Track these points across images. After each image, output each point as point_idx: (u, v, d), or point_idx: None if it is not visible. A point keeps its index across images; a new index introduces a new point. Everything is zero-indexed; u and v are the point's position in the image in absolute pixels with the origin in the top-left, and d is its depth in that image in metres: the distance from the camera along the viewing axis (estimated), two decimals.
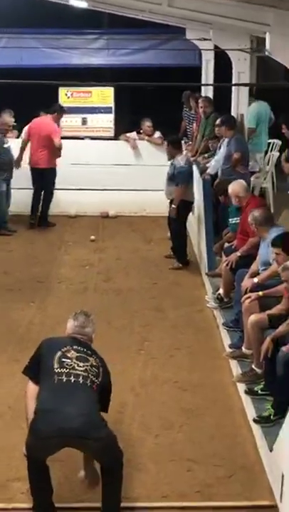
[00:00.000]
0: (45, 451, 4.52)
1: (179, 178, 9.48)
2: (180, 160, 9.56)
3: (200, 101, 11.25)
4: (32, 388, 4.67)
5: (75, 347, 4.69)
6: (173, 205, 9.58)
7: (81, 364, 4.59)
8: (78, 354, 4.65)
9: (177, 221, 9.68)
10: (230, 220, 8.42)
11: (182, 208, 9.59)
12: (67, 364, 4.56)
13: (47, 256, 10.20)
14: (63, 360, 4.58)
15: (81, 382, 4.52)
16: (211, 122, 10.55)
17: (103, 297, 8.70)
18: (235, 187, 7.93)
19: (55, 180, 11.46)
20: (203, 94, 11.98)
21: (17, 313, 8.16)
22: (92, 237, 10.91)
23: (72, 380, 4.51)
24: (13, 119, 11.31)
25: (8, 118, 11.20)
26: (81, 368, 4.58)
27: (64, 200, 12.03)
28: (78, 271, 9.65)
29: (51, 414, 4.41)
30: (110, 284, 9.20)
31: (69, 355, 4.62)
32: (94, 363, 4.68)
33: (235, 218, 8.22)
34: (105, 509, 4.67)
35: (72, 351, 4.65)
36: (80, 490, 5.05)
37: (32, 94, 11.86)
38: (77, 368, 4.57)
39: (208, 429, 5.94)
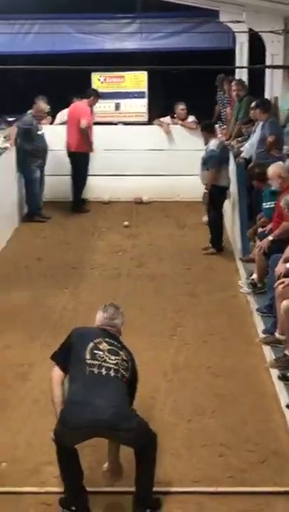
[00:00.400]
0: (73, 440, 4.55)
1: (210, 163, 9.43)
2: (212, 144, 9.51)
3: (233, 84, 11.14)
4: (58, 374, 4.69)
5: (106, 339, 4.71)
6: (205, 190, 9.51)
7: (112, 357, 4.60)
8: (110, 347, 4.66)
9: (213, 207, 9.61)
10: (264, 204, 8.34)
11: (215, 193, 9.53)
12: (99, 356, 4.57)
13: (80, 242, 10.24)
14: (95, 352, 4.59)
15: (112, 375, 4.54)
16: (245, 106, 10.45)
17: (136, 283, 8.70)
18: (275, 169, 7.78)
19: (87, 166, 11.48)
20: (237, 77, 11.86)
21: (51, 299, 8.21)
22: (126, 223, 10.92)
23: (104, 373, 4.53)
24: (48, 106, 11.34)
25: (44, 105, 11.24)
26: (112, 361, 4.58)
27: (97, 186, 12.06)
28: (111, 257, 9.67)
29: (82, 406, 4.42)
30: (143, 269, 9.20)
31: (101, 347, 4.63)
32: (124, 357, 4.70)
33: (269, 203, 8.13)
34: (138, 493, 4.69)
35: (104, 343, 4.66)
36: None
37: (65, 80, 11.91)
38: (108, 360, 4.57)
39: (241, 414, 5.92)
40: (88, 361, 4.54)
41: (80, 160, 11.46)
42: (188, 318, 7.74)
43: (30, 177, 11.17)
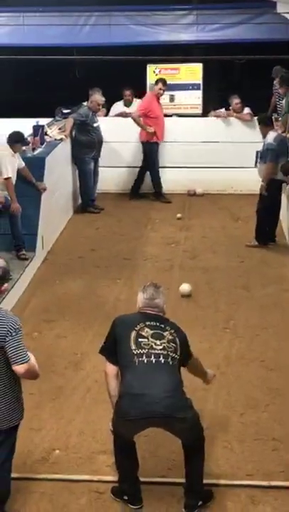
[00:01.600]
0: (131, 431, 4.56)
1: (268, 156, 9.32)
2: (269, 137, 9.40)
3: (275, 81, 11.07)
4: (111, 368, 4.66)
5: (148, 323, 4.61)
6: (262, 182, 9.43)
7: (158, 342, 4.52)
8: (153, 331, 4.58)
9: (266, 200, 9.49)
10: None
11: (272, 187, 9.40)
12: (144, 344, 4.50)
13: (133, 233, 10.25)
14: (140, 340, 4.52)
15: (162, 361, 4.48)
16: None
17: (189, 275, 8.67)
18: None
19: (153, 156, 11.67)
20: None
21: (104, 290, 8.26)
22: (179, 215, 10.89)
23: (154, 361, 4.47)
24: (103, 98, 11.38)
25: (99, 96, 11.27)
26: (159, 347, 4.51)
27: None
28: (164, 248, 9.66)
29: (137, 397, 4.39)
30: (196, 262, 9.17)
31: (144, 333, 4.55)
32: (170, 337, 4.60)
33: None
34: (189, 485, 4.69)
35: (146, 328, 4.58)
36: (163, 465, 5.10)
37: (120, 72, 11.92)
38: (155, 346, 4.50)
39: None
40: (135, 351, 4.49)
41: (145, 149, 11.75)
42: (241, 312, 7.70)
43: (84, 169, 11.23)
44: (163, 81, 11.69)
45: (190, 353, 4.81)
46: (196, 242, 9.88)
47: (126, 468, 4.71)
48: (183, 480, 4.76)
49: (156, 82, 11.76)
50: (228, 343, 6.97)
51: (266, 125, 9.63)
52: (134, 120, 11.56)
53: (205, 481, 4.96)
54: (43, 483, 4.99)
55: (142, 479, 4.78)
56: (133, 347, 4.49)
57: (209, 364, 6.39)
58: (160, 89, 11.61)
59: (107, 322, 7.05)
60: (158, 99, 11.71)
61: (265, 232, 9.61)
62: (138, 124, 11.56)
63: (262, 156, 9.48)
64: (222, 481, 5.02)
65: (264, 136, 9.56)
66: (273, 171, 9.30)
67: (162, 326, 4.65)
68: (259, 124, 9.77)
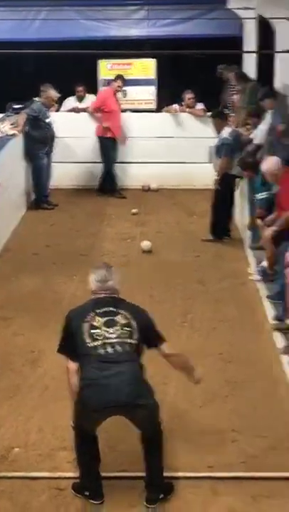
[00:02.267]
0: (94, 423, 4.54)
1: (222, 150, 9.39)
2: (224, 132, 9.48)
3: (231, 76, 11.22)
4: (72, 365, 4.57)
5: (97, 311, 4.50)
6: (216, 176, 9.49)
7: (111, 330, 4.42)
8: (104, 319, 4.46)
9: (221, 195, 9.56)
10: (257, 195, 8.41)
11: (226, 181, 9.47)
12: (97, 335, 4.41)
13: (89, 229, 10.22)
14: (92, 331, 4.43)
15: (120, 350, 4.42)
16: (248, 95, 10.44)
17: (145, 270, 8.69)
18: (269, 165, 7.91)
19: (108, 151, 11.74)
20: (245, 64, 11.79)
21: (60, 286, 8.22)
22: (134, 211, 10.90)
23: (110, 351, 4.41)
24: (57, 94, 11.31)
25: (54, 92, 11.20)
26: (113, 335, 4.42)
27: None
28: (120, 244, 9.65)
29: (99, 388, 4.37)
30: (152, 257, 9.19)
31: (95, 323, 4.45)
32: (123, 321, 4.48)
33: (261, 194, 8.22)
34: (150, 479, 4.70)
35: (97, 317, 4.47)
36: (124, 459, 5.10)
37: (72, 67, 11.86)
38: (108, 335, 4.41)
39: (253, 400, 5.93)
40: (90, 344, 4.41)
41: (99, 144, 11.81)
42: (197, 306, 7.74)
43: (37, 164, 11.15)
44: (122, 78, 11.79)
45: (157, 335, 4.67)
46: (151, 237, 9.88)
47: (87, 463, 4.69)
48: (144, 474, 4.76)
49: (116, 78, 11.83)
50: (185, 337, 7.00)
51: (221, 120, 9.67)
52: (91, 114, 11.71)
53: (166, 474, 4.98)
54: (3, 481, 4.93)
55: (103, 474, 4.77)
56: (87, 340, 4.42)
57: None
58: (119, 86, 11.74)
59: (62, 318, 7.04)
60: (115, 94, 11.79)
61: (220, 227, 9.66)
62: (94, 117, 11.70)
63: (217, 150, 9.52)
64: (183, 474, 5.03)
65: (218, 131, 9.61)
66: (228, 166, 9.36)
67: (114, 309, 4.53)
68: (214, 119, 9.82)
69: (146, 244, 9.30)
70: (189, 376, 4.95)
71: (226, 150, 9.35)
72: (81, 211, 10.99)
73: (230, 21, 13.02)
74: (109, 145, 11.71)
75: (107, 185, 11.81)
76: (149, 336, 4.60)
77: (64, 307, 7.45)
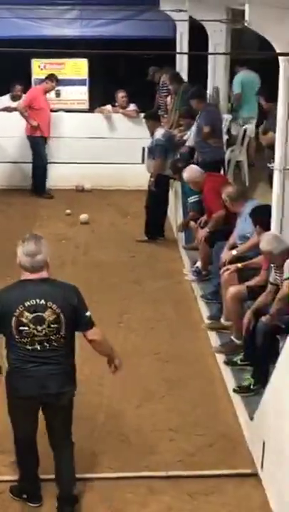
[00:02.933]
0: (25, 413, 4.48)
1: (156, 152, 9.42)
2: (158, 133, 9.51)
3: (165, 77, 11.29)
4: None
5: (27, 304, 4.26)
6: (151, 178, 9.53)
7: (39, 328, 4.26)
8: (33, 315, 4.26)
9: (155, 196, 9.59)
10: (189, 199, 8.57)
11: (160, 182, 9.51)
12: (26, 333, 4.27)
13: (22, 230, 9.91)
14: (21, 328, 4.27)
15: (47, 347, 4.32)
16: (181, 96, 10.54)
17: (81, 271, 8.66)
18: (189, 174, 8.16)
19: (38, 150, 11.63)
20: (178, 66, 11.90)
21: None
22: (68, 211, 10.85)
23: (38, 348, 4.31)
24: None
25: None
26: (41, 333, 4.28)
27: None
28: (55, 245, 9.50)
29: (25, 378, 4.36)
30: (88, 257, 9.19)
31: (24, 319, 4.26)
32: (51, 318, 4.28)
33: (193, 197, 8.40)
34: (65, 492, 4.64)
35: (26, 313, 4.25)
36: None
37: (4, 66, 11.71)
38: (37, 333, 4.27)
39: (189, 399, 6.01)
40: (18, 339, 4.30)
41: (29, 143, 11.71)
42: (134, 306, 7.78)
43: None
44: (55, 77, 11.71)
45: (85, 322, 4.48)
46: (86, 237, 9.89)
47: (26, 465, 4.67)
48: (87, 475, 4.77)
49: (48, 77, 11.71)
50: (122, 338, 7.02)
51: (154, 121, 9.72)
52: (20, 112, 11.55)
53: (104, 475, 5.03)
54: None
55: (42, 477, 4.75)
56: (16, 336, 4.30)
57: (104, 359, 6.41)
58: (52, 86, 11.68)
59: None
60: (45, 93, 11.70)
61: (155, 227, 9.73)
62: (23, 115, 11.53)
63: (150, 151, 9.58)
64: (120, 474, 5.07)
65: (152, 132, 9.64)
66: (162, 167, 9.42)
67: (44, 302, 4.28)
68: (147, 120, 9.84)
69: (83, 216, 10.21)
70: (109, 364, 4.85)
71: (160, 151, 9.40)
72: (13, 211, 10.88)
73: (163, 23, 13.11)
74: (39, 143, 11.62)
75: (37, 184, 11.74)
76: (78, 322, 4.44)
77: None
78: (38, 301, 4.29)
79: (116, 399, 6.00)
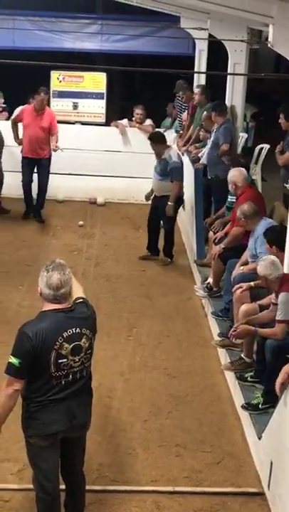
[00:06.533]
0: (55, 450, 4.24)
1: (175, 175, 9.17)
2: (172, 155, 9.22)
3: (195, 90, 11.22)
4: (18, 386, 4.06)
5: (65, 335, 4.07)
6: (169, 202, 9.20)
7: (76, 358, 4.12)
8: (71, 345, 4.09)
9: (169, 219, 9.37)
10: (229, 197, 8.32)
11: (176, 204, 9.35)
12: (64, 365, 4.08)
13: (35, 240, 10.17)
14: (60, 361, 4.07)
15: (78, 377, 4.18)
16: (206, 109, 10.51)
17: (92, 283, 8.69)
18: (234, 174, 7.89)
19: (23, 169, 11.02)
20: (196, 83, 11.96)
21: (5, 296, 8.15)
22: (81, 223, 10.90)
23: (71, 379, 4.15)
24: (2, 100, 11.22)
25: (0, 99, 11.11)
26: (77, 364, 4.14)
27: (52, 185, 11.99)
28: (67, 256, 9.59)
29: (56, 413, 4.14)
30: (99, 270, 9.21)
31: (63, 352, 4.07)
32: (86, 345, 4.15)
33: (233, 197, 8.15)
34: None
35: (65, 344, 4.07)
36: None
37: (24, 77, 11.83)
38: (74, 364, 4.12)
39: (197, 415, 6.01)
40: (54, 374, 4.08)
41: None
42: (143, 320, 7.79)
43: None
44: (44, 90, 10.87)
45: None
46: (98, 250, 9.92)
47: None
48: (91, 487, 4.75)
49: (37, 92, 10.76)
50: (131, 351, 7.04)
51: (161, 143, 9.34)
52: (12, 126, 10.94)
53: (110, 487, 5.03)
54: None
55: None
56: (53, 369, 4.07)
57: (114, 371, 6.53)
58: (40, 99, 10.67)
59: (8, 328, 6.95)
60: (36, 110, 10.71)
61: (168, 249, 9.50)
62: (12, 129, 10.92)
63: (163, 173, 9.25)
64: (127, 487, 5.07)
65: (159, 154, 9.25)
66: (181, 189, 9.28)
67: (79, 331, 4.14)
68: (154, 143, 9.36)
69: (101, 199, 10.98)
70: None
71: (179, 174, 9.20)
72: (27, 221, 10.92)
73: (182, 40, 13.24)
74: (22, 163, 10.94)
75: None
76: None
77: (9, 316, 7.49)
78: (74, 330, 4.13)
79: (124, 412, 6.00)
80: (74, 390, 4.17)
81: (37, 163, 10.92)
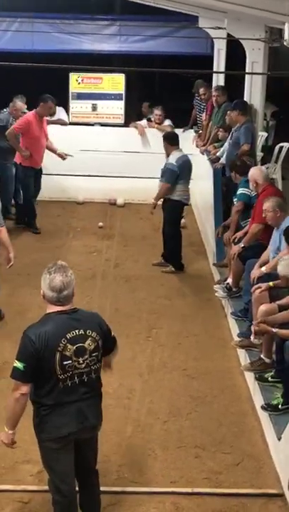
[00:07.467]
0: (68, 452, 4.23)
1: (165, 175, 9.03)
2: (171, 158, 9.04)
3: (213, 90, 11.18)
4: (27, 388, 4.08)
5: (69, 336, 4.07)
6: (153, 200, 9.21)
7: (81, 360, 4.11)
8: (75, 346, 4.08)
9: (169, 223, 9.27)
10: (239, 190, 8.21)
11: (171, 207, 9.18)
12: (69, 367, 4.08)
13: (54, 242, 10.21)
14: (64, 363, 4.06)
15: (85, 379, 4.17)
16: (224, 111, 10.47)
17: (111, 284, 8.72)
18: (254, 172, 7.83)
19: (26, 182, 10.63)
20: (214, 83, 11.93)
21: (26, 298, 8.18)
22: (101, 224, 10.92)
23: (77, 381, 4.13)
24: (25, 105, 11.26)
25: (20, 103, 11.13)
26: (82, 365, 4.12)
27: (72, 186, 12.08)
28: (86, 257, 9.66)
29: (67, 415, 4.13)
30: (118, 270, 9.22)
31: (67, 353, 4.06)
32: (92, 346, 4.14)
33: (243, 189, 8.11)
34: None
35: (69, 345, 4.06)
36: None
37: (43, 80, 11.87)
38: (78, 366, 4.11)
39: (216, 416, 5.99)
40: (60, 376, 4.08)
41: (17, 171, 10.74)
42: (163, 320, 7.78)
43: (5, 174, 11.08)
44: (51, 98, 10.59)
45: (112, 345, 4.39)
46: (118, 251, 9.93)
47: None
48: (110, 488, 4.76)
49: (42, 99, 10.49)
50: (150, 352, 7.04)
51: (170, 144, 9.16)
52: (9, 137, 10.38)
53: (129, 489, 5.02)
54: None
55: None
56: (58, 371, 4.07)
57: (133, 372, 6.52)
58: (50, 107, 10.61)
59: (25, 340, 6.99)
60: (41, 118, 10.51)
61: (180, 257, 9.31)
62: (12, 142, 10.38)
63: (162, 174, 9.16)
64: (146, 489, 5.06)
65: (167, 154, 9.13)
66: (168, 191, 9.06)
67: (83, 332, 4.13)
68: (164, 141, 9.26)
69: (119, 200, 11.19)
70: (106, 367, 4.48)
71: (170, 176, 8.95)
72: (47, 223, 10.95)
73: (201, 40, 13.20)
74: (27, 175, 10.63)
75: (23, 217, 10.80)
76: (108, 346, 4.31)
77: (30, 318, 7.44)
78: (78, 331, 4.12)
79: (143, 413, 6.00)
80: (83, 392, 4.17)
81: (37, 172, 10.78)
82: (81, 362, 4.12)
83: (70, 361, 4.08)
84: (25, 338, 4.09)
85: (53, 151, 10.73)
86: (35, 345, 4.02)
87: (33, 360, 4.03)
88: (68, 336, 4.09)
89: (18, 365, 4.06)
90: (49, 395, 4.11)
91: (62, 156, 10.74)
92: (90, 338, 4.15)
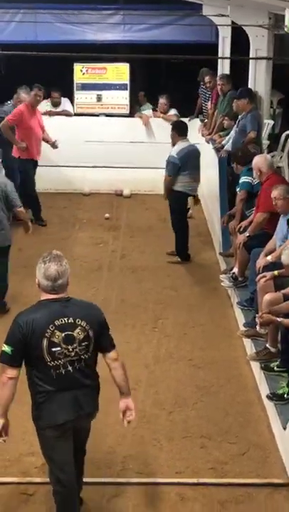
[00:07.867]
0: (67, 440, 4.27)
1: (168, 167, 8.99)
2: (174, 149, 8.93)
3: (218, 78, 11.10)
4: (15, 373, 4.13)
5: (57, 323, 4.10)
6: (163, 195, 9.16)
7: (70, 348, 4.12)
8: (64, 333, 4.10)
9: (175, 214, 9.26)
10: (241, 178, 8.15)
11: (176, 199, 9.11)
12: (58, 354, 4.09)
13: (61, 233, 10.19)
14: (53, 350, 4.08)
15: (78, 367, 4.18)
16: (229, 100, 10.41)
17: (118, 275, 8.71)
18: (258, 160, 7.75)
19: (26, 175, 10.41)
20: (219, 71, 11.86)
21: (31, 289, 8.11)
22: (107, 215, 10.90)
23: (71, 370, 4.14)
24: (27, 96, 11.20)
25: (24, 95, 11.08)
26: (72, 353, 4.13)
27: (78, 178, 12.04)
28: (92, 248, 9.65)
29: (63, 404, 4.17)
30: (125, 261, 9.20)
31: (56, 340, 4.08)
32: (81, 336, 4.14)
33: (245, 177, 8.06)
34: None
35: (57, 332, 4.09)
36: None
37: (47, 70, 11.84)
38: (68, 353, 4.12)
39: (222, 406, 5.97)
40: (50, 363, 4.11)
41: (17, 165, 10.39)
42: (169, 311, 7.76)
43: (10, 166, 11.04)
44: (38, 87, 10.42)
45: (109, 342, 4.33)
46: (124, 242, 9.91)
47: None
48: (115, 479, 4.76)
49: (31, 87, 10.46)
50: (156, 343, 7.02)
51: (178, 134, 9.03)
52: (4, 129, 10.12)
53: (135, 480, 5.01)
54: None
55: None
56: (48, 358, 4.10)
57: (139, 363, 6.51)
58: (36, 95, 10.35)
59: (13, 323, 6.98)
60: (32, 107, 10.38)
61: (186, 247, 9.27)
62: (7, 134, 10.15)
63: (166, 164, 9.07)
64: (151, 479, 5.06)
65: (173, 143, 9.05)
66: (171, 183, 9.01)
67: (72, 321, 4.14)
68: (172, 129, 9.17)
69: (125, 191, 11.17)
70: (121, 391, 4.47)
71: (171, 169, 8.90)
72: (53, 215, 10.94)
73: (205, 28, 13.11)
74: (27, 168, 10.45)
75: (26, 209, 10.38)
76: (102, 342, 4.30)
77: None
78: (66, 319, 4.14)
79: (149, 404, 5.99)
80: (78, 379, 4.20)
81: (35, 163, 10.67)
82: (70, 350, 4.15)
83: (59, 348, 4.11)
84: (14, 323, 4.17)
85: (49, 141, 10.63)
86: (22, 330, 4.09)
87: (21, 345, 4.10)
88: (57, 322, 4.12)
89: (6, 348, 4.12)
90: (43, 382, 4.17)
91: (56, 145, 10.60)
92: (79, 327, 4.17)
